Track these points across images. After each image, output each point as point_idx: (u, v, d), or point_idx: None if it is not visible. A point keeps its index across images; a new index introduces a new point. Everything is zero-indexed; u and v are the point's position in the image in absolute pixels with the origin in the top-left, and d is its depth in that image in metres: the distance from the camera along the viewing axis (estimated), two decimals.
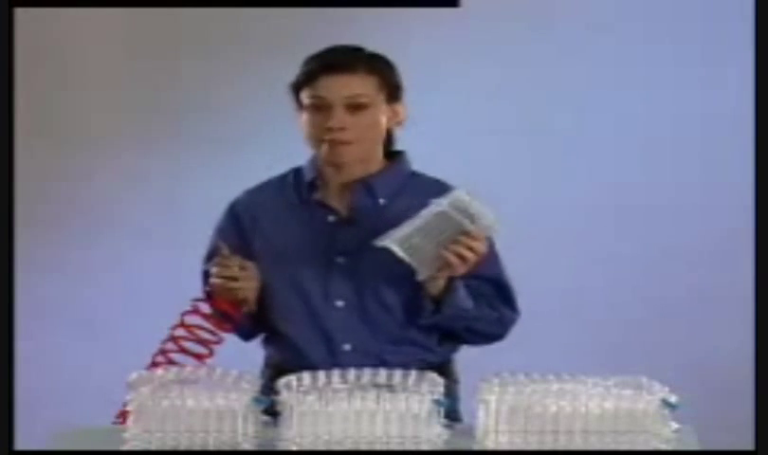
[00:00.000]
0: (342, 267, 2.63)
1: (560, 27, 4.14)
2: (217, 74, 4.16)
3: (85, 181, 4.21)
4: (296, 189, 2.70)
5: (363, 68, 2.61)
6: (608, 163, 4.15)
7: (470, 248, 2.50)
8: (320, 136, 2.60)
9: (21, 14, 3.76)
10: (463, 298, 2.59)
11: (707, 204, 4.12)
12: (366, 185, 2.66)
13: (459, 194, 2.51)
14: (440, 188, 2.64)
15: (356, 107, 2.59)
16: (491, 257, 2.63)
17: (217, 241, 2.67)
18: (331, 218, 2.66)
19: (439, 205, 2.50)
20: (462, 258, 2.50)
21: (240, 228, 2.71)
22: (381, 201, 2.65)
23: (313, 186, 2.68)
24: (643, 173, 4.14)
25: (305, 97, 2.61)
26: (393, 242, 2.50)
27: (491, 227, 2.52)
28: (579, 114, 4.15)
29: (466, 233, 2.49)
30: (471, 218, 2.50)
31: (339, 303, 2.63)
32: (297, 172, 2.73)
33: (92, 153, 4.20)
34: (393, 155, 2.72)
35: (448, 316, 2.60)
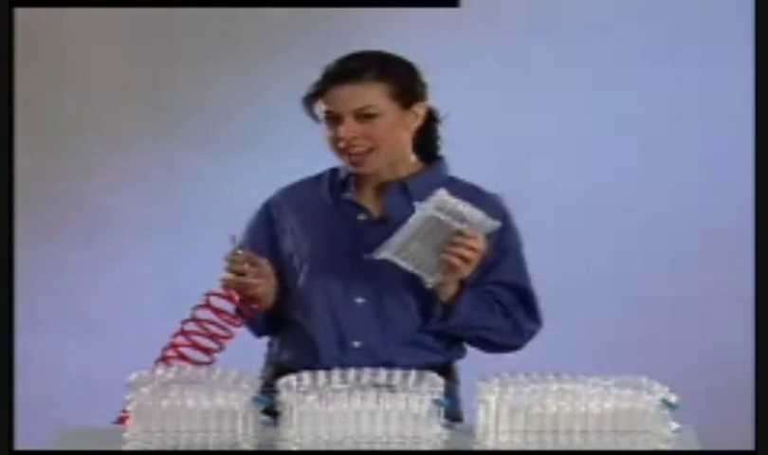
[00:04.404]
0: (367, 265, 2.60)
1: (560, 27, 4.14)
2: (217, 73, 4.16)
3: (85, 181, 4.20)
4: (330, 188, 2.70)
5: (371, 76, 2.58)
6: (608, 163, 4.15)
7: (470, 247, 2.49)
8: (337, 146, 2.60)
9: (21, 14, 3.75)
10: (472, 307, 2.59)
11: (707, 204, 4.12)
12: (402, 186, 2.65)
13: (442, 196, 2.49)
14: (476, 194, 2.64)
15: (366, 116, 2.57)
16: (515, 263, 2.64)
17: (242, 239, 2.66)
18: (361, 217, 2.66)
19: (424, 209, 2.48)
20: (463, 259, 2.49)
21: (271, 227, 2.71)
22: (415, 203, 2.59)
23: (345, 185, 2.68)
24: (643, 174, 4.15)
25: (319, 110, 2.61)
26: (390, 252, 2.50)
27: (483, 225, 2.50)
28: (578, 114, 4.15)
29: (461, 234, 2.49)
30: (461, 218, 2.48)
31: (360, 300, 2.63)
32: (333, 171, 2.72)
33: (92, 153, 4.19)
34: (430, 159, 2.70)
35: (455, 325, 2.60)
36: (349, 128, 2.57)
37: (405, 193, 2.64)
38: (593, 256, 4.13)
